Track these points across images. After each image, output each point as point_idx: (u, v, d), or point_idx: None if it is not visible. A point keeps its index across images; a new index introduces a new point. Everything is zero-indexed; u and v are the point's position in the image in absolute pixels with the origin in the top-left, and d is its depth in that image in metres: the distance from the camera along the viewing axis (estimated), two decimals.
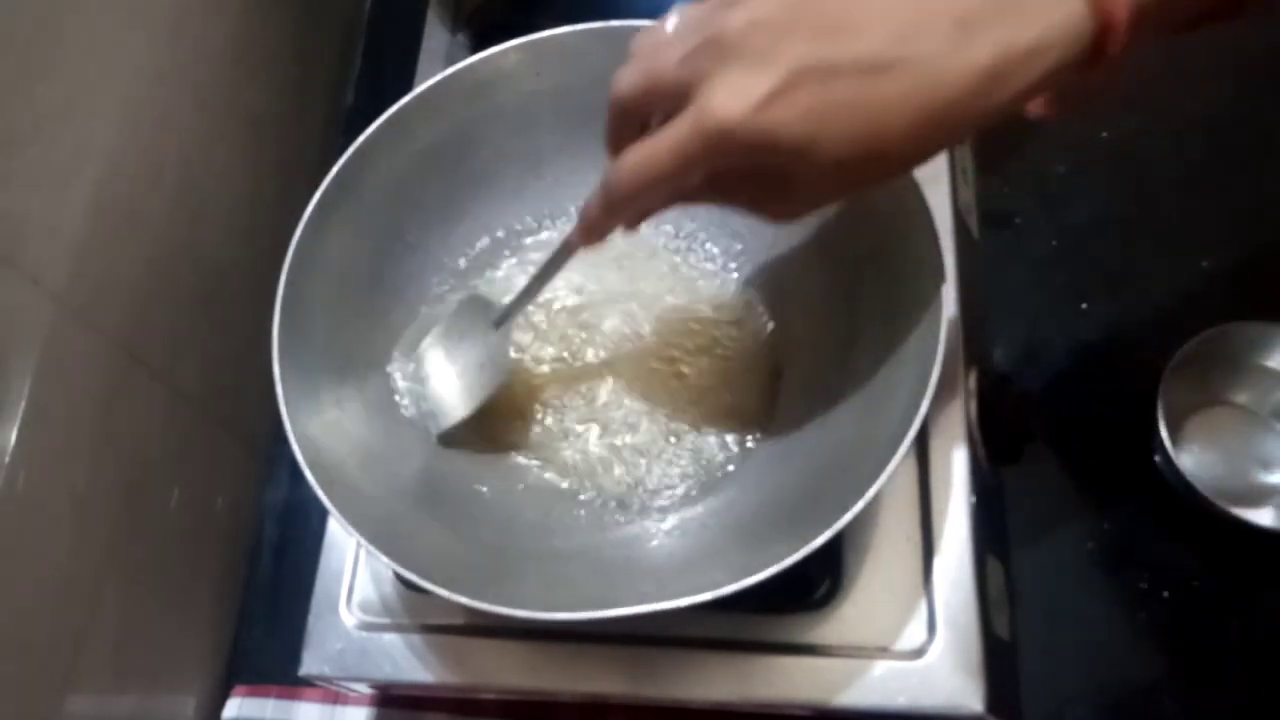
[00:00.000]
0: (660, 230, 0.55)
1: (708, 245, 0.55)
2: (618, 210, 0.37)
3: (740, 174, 0.35)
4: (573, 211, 0.56)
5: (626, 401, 0.51)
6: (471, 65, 0.50)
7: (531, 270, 0.46)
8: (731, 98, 0.31)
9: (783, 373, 0.51)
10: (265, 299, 0.45)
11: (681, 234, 0.55)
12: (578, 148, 0.54)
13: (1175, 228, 0.67)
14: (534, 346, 0.53)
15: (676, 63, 0.33)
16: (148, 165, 0.53)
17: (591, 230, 0.39)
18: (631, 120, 0.36)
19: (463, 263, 0.55)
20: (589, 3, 0.54)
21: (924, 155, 0.34)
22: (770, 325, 0.52)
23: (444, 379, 0.50)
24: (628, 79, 0.35)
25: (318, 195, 0.47)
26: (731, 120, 0.31)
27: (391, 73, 0.67)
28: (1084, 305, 0.65)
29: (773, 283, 0.53)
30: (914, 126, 0.32)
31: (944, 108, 0.31)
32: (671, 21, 0.34)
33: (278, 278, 0.45)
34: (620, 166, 0.35)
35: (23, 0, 0.44)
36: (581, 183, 0.55)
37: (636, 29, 0.47)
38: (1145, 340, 0.62)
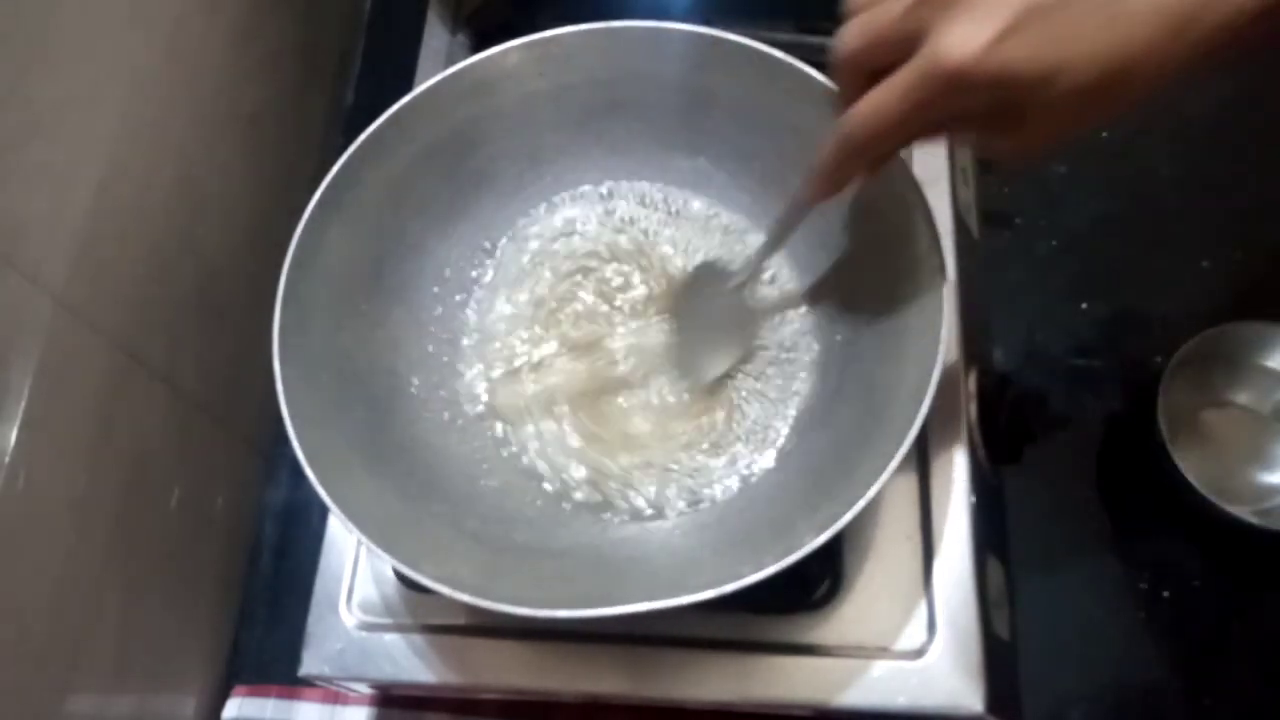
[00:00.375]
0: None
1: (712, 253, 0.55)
2: (855, 158, 0.38)
3: (977, 113, 0.35)
4: (575, 211, 0.56)
5: (629, 403, 0.51)
6: (474, 64, 0.49)
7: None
8: (963, 40, 0.32)
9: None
10: (265, 298, 0.44)
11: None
12: (579, 148, 0.54)
13: (1175, 227, 0.67)
14: (539, 349, 0.53)
15: (900, 15, 0.34)
16: (147, 164, 0.53)
17: (829, 180, 0.39)
18: (859, 74, 0.36)
19: (464, 262, 0.55)
20: (589, 3, 0.54)
21: (1167, 72, 0.33)
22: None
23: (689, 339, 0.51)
24: (851, 35, 0.35)
25: (318, 194, 0.47)
26: (967, 61, 0.32)
27: (391, 72, 0.67)
28: (1084, 305, 0.65)
29: (774, 283, 0.53)
30: (1155, 39, 0.31)
31: (1183, 15, 0.31)
32: None
33: (278, 277, 0.45)
34: (854, 116, 0.35)
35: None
36: (583, 182, 0.55)
37: (639, 29, 0.48)
38: (1145, 340, 0.62)
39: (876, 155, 0.39)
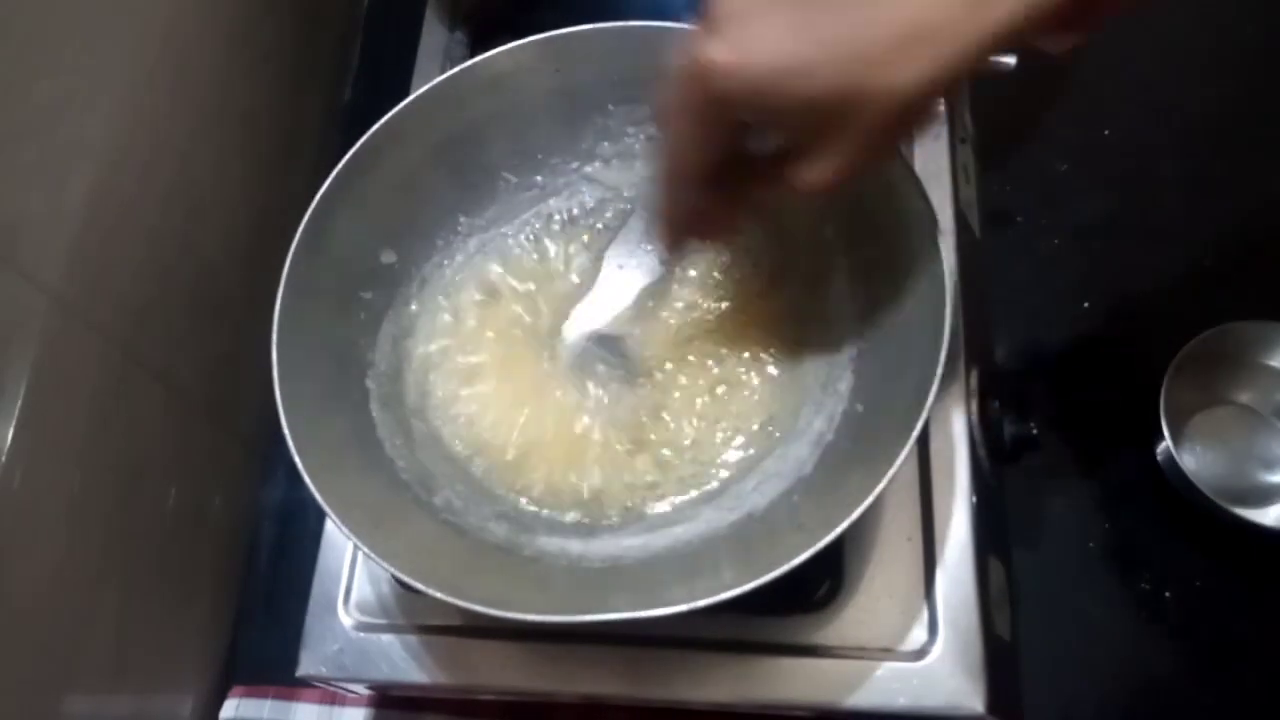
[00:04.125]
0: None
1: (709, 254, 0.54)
2: (671, 194, 0.40)
3: (782, 124, 0.36)
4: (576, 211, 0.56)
5: (631, 406, 0.51)
6: (490, 59, 0.49)
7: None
8: (715, 48, 0.33)
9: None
10: (263, 297, 0.44)
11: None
12: (590, 146, 0.54)
13: (1177, 226, 0.67)
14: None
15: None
16: (144, 163, 0.52)
17: (667, 228, 0.42)
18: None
19: (470, 259, 0.54)
20: (589, 1, 0.54)
21: (921, 83, 0.33)
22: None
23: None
24: (661, 89, 0.37)
25: (323, 190, 0.46)
26: (716, 60, 0.33)
27: (389, 70, 0.67)
28: (1085, 304, 0.65)
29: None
30: (900, 46, 0.32)
31: (931, 28, 0.31)
32: None
33: (276, 275, 0.45)
34: (660, 153, 0.38)
35: None
36: (591, 180, 0.55)
37: (661, 29, 0.47)
38: (1147, 339, 0.62)
39: (690, 205, 0.40)
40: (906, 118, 0.34)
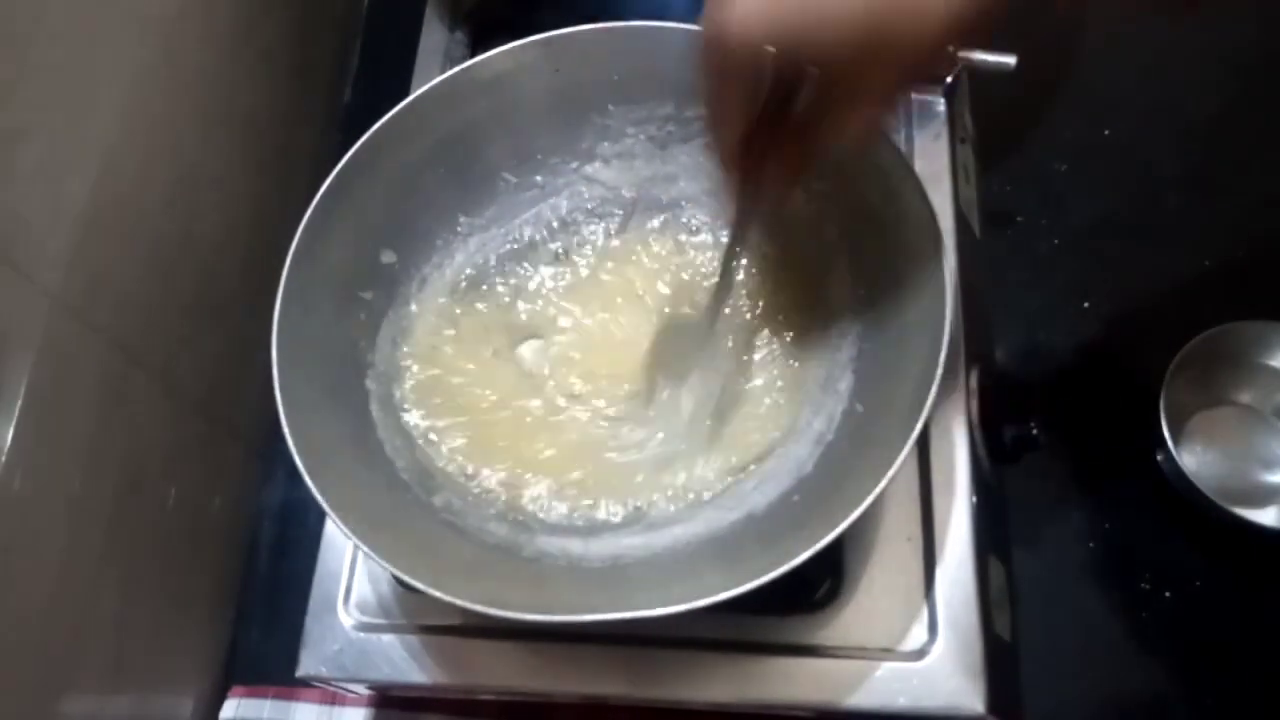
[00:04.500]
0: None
1: (710, 255, 0.54)
2: (724, 157, 0.40)
3: (791, 89, 0.36)
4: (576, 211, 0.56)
5: (631, 407, 0.51)
6: (490, 59, 0.49)
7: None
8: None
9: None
10: (263, 296, 0.44)
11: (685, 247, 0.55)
12: (590, 146, 0.54)
13: (1177, 226, 0.67)
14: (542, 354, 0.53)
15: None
16: (144, 163, 0.52)
17: (728, 198, 0.42)
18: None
19: (470, 259, 0.54)
20: (588, 1, 0.54)
21: (951, 13, 0.33)
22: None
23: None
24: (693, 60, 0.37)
25: (323, 189, 0.46)
26: (733, 19, 0.33)
27: (389, 70, 0.67)
28: (1086, 304, 0.65)
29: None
30: None
31: None
32: None
33: (276, 275, 0.45)
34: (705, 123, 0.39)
35: None
36: (591, 180, 0.55)
37: (661, 29, 0.47)
38: (1147, 339, 0.62)
39: (733, 146, 0.39)
40: (935, 53, 0.34)
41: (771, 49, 0.33)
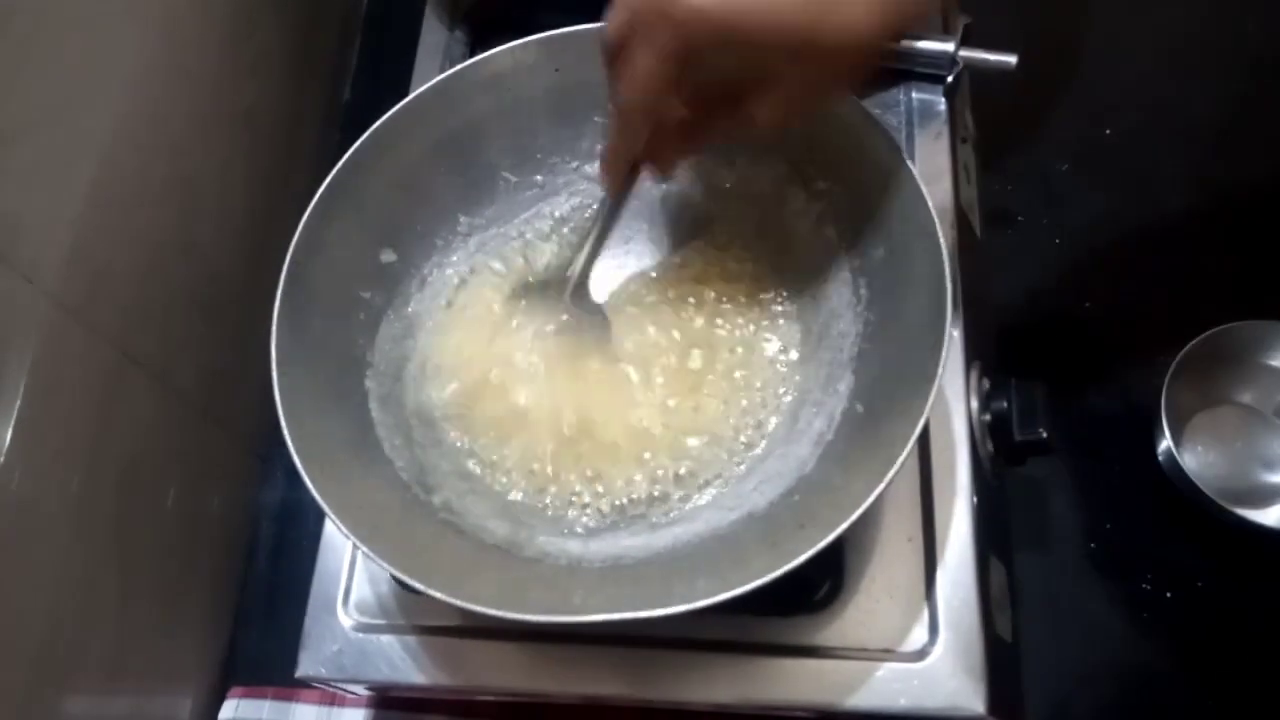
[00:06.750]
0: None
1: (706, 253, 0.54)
2: (629, 130, 0.41)
3: (722, 79, 0.38)
4: (577, 211, 0.56)
5: (631, 405, 0.51)
6: (490, 58, 0.49)
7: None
8: None
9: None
10: (262, 296, 0.44)
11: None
12: (590, 146, 0.53)
13: (1178, 227, 0.67)
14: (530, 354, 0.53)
15: None
16: (143, 162, 0.52)
17: (616, 162, 0.43)
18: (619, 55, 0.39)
19: (469, 259, 0.54)
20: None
21: (873, 24, 0.35)
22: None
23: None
24: (612, 19, 0.38)
25: (323, 188, 0.46)
26: (694, 4, 0.34)
27: (388, 69, 0.67)
28: (1086, 304, 0.65)
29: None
30: None
31: None
32: None
33: (275, 274, 0.45)
34: (620, 86, 0.38)
35: None
36: (591, 179, 0.55)
37: None
38: (1148, 339, 0.62)
39: (650, 133, 0.41)
40: (860, 58, 0.36)
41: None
